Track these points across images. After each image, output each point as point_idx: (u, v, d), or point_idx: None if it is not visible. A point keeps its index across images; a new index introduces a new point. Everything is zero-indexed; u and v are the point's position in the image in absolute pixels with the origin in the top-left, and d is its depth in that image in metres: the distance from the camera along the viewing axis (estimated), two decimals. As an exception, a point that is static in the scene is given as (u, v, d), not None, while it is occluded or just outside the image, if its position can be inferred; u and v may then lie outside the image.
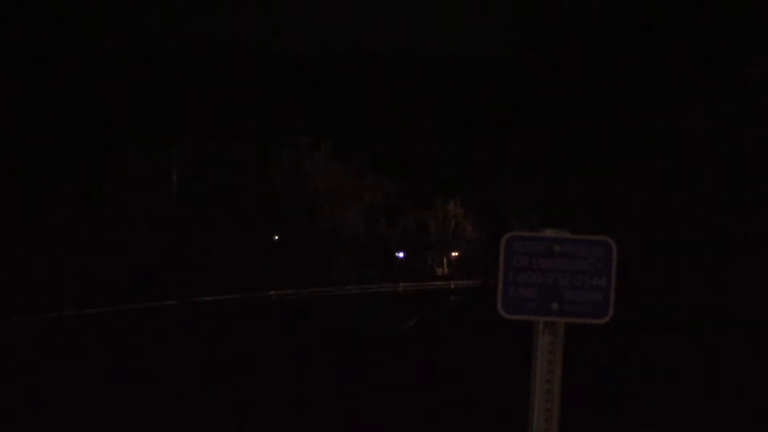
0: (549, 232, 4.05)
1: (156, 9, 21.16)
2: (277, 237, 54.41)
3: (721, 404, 10.19)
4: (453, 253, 76.80)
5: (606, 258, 4.02)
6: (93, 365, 13.81)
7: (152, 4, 21.40)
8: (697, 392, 10.90)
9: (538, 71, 21.49)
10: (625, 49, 18.72)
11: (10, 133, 27.63)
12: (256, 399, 10.57)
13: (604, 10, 18.34)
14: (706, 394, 10.81)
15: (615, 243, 4.03)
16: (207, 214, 43.35)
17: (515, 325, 4.35)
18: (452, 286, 60.39)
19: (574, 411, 5.34)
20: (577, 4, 18.91)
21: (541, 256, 4.03)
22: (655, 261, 18.42)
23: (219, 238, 44.23)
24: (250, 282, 40.28)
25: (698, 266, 17.21)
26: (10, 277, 26.31)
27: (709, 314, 16.12)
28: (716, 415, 9.55)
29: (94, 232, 33.60)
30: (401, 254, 69.33)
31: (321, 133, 53.94)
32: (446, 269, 76.26)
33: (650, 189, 19.29)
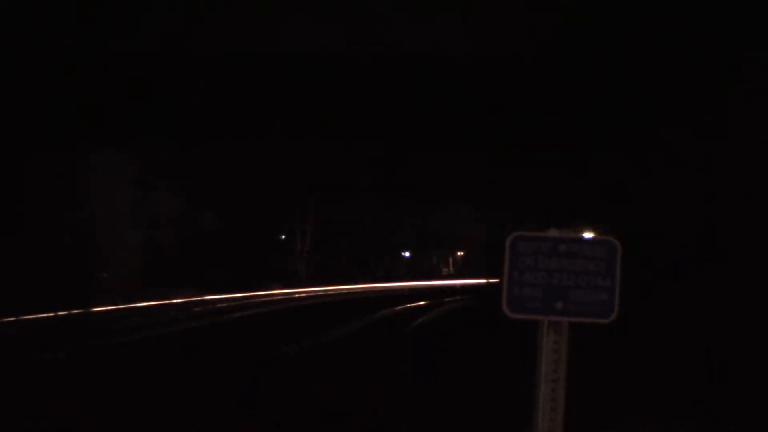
0: (554, 232, 4.07)
1: (155, 8, 21.13)
2: (283, 236, 54.50)
3: (722, 404, 10.18)
4: (459, 253, 76.69)
5: (611, 258, 4.03)
6: (85, 365, 13.86)
7: (151, 4, 21.37)
8: (697, 392, 10.89)
9: (539, 71, 21.47)
10: (625, 50, 18.69)
11: (8, 132, 27.61)
12: (254, 399, 10.57)
13: (605, 11, 18.30)
14: (705, 394, 10.79)
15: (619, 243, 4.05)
16: (208, 214, 43.38)
17: (520, 325, 4.36)
18: (458, 286, 60.24)
19: (578, 410, 5.34)
20: (578, 5, 18.86)
21: (546, 256, 4.04)
22: (656, 261, 18.37)
23: (219, 237, 44.25)
24: (254, 282, 40.29)
25: (699, 266, 17.18)
26: (5, 276, 26.18)
27: (710, 314, 16.09)
28: (716, 415, 9.54)
29: (90, 231, 33.50)
30: (407, 253, 69.30)
31: (322, 132, 53.82)
32: (452, 269, 76.13)
33: (651, 189, 19.25)
